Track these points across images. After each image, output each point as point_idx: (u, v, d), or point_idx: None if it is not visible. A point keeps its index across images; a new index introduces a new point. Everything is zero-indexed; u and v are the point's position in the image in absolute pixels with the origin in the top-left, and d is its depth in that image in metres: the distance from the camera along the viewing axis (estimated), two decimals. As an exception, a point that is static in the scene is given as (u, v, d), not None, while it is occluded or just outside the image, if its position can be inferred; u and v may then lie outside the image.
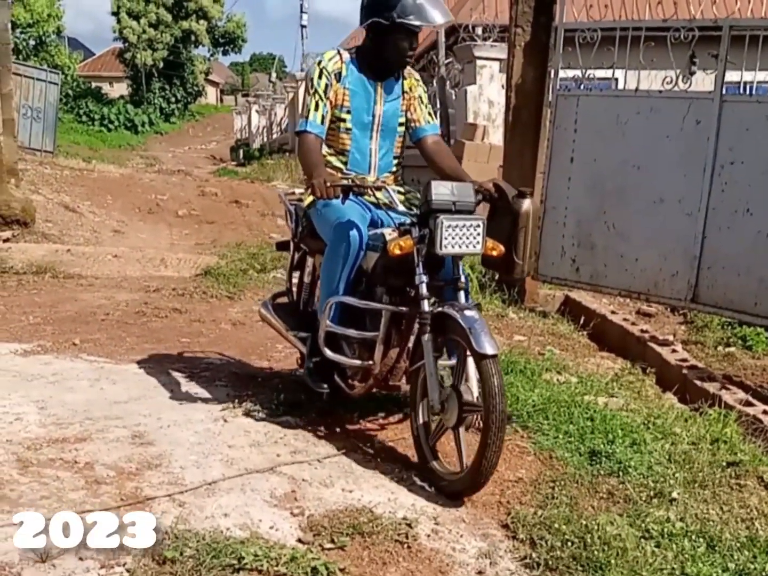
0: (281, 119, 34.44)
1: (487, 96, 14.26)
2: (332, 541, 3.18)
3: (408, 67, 4.34)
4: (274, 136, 35.58)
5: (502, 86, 9.86)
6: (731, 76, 6.43)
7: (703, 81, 6.80)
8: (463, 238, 3.68)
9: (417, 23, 3.97)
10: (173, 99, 52.14)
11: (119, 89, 54.86)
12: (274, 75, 53.72)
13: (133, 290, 7.67)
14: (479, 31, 15.53)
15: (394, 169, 4.38)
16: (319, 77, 4.13)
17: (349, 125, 4.18)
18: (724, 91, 6.35)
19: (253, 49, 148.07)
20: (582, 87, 7.32)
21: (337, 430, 4.25)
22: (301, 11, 42.59)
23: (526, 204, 4.01)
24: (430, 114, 4.40)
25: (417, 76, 4.44)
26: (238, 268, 8.68)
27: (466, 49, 14.52)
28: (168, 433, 4.06)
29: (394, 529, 3.29)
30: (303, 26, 41.91)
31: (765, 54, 6.13)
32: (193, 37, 51.08)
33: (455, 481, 3.62)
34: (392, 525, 3.31)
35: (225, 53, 56.01)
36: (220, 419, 4.27)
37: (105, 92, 51.86)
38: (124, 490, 3.43)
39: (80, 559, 2.90)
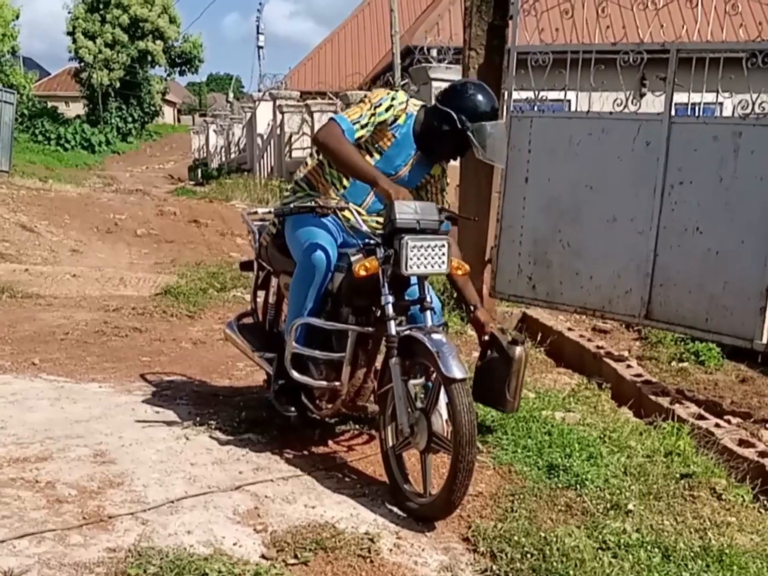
0: (239, 139, 34.37)
1: (444, 117, 14.35)
2: (296, 557, 3.22)
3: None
4: (233, 155, 35.48)
5: (459, 107, 9.96)
6: (680, 97, 6.58)
7: (653, 103, 6.94)
8: (428, 258, 3.70)
9: (481, 151, 3.97)
10: (130, 119, 51.80)
11: (75, 109, 54.49)
12: (231, 95, 53.58)
13: (93, 310, 7.64)
14: (434, 53, 15.68)
15: (383, 212, 4.24)
16: (386, 110, 4.03)
17: (372, 162, 4.07)
18: (673, 113, 6.49)
19: (210, 69, 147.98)
20: (535, 108, 7.42)
21: (299, 447, 4.28)
22: (258, 32, 42.73)
23: (519, 351, 4.27)
24: (443, 194, 4.40)
25: (446, 167, 4.40)
26: (198, 287, 8.68)
27: (421, 71, 14.64)
28: (130, 451, 4.07)
29: (357, 544, 3.33)
30: (260, 47, 42.06)
31: (711, 76, 6.28)
32: (149, 57, 50.91)
33: (425, 505, 3.64)
34: (355, 540, 3.36)
35: (182, 73, 55.97)
36: (182, 437, 4.29)
37: (61, 112, 51.44)
38: (86, 509, 3.44)
39: (43, 578, 2.90)
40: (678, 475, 4.25)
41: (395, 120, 4.07)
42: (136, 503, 3.53)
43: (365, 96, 4.21)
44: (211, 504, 3.57)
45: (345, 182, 4.18)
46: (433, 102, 4.17)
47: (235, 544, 3.27)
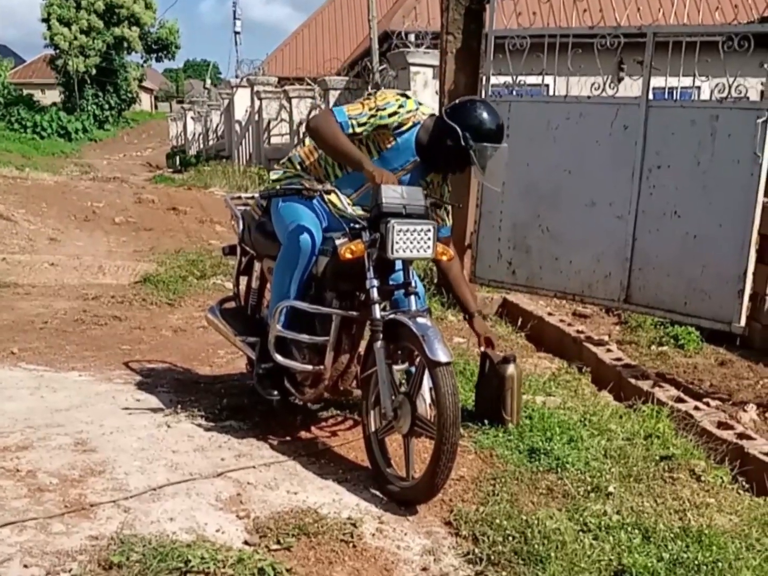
0: (217, 126, 34.20)
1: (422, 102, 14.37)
2: (278, 542, 3.22)
3: None
4: (211, 142, 35.32)
5: (436, 92, 9.95)
6: (658, 81, 6.61)
7: (631, 87, 6.96)
8: (414, 242, 3.71)
9: (480, 170, 3.96)
10: (107, 106, 51.48)
11: (51, 96, 54.05)
12: (208, 81, 53.28)
13: (72, 298, 7.60)
14: (412, 38, 15.66)
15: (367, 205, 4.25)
16: (389, 116, 3.97)
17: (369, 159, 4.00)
18: (651, 97, 6.52)
19: (186, 56, 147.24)
20: (513, 93, 7.44)
21: (281, 433, 4.29)
22: (234, 18, 42.43)
23: (510, 369, 4.42)
24: (447, 213, 4.36)
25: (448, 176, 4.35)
26: (177, 275, 8.65)
27: (399, 56, 14.62)
28: (111, 439, 4.06)
29: (340, 529, 3.34)
30: (237, 33, 41.75)
31: (688, 60, 6.30)
32: (125, 44, 50.55)
33: (407, 489, 3.65)
34: (337, 525, 3.36)
35: (158, 60, 55.62)
36: (163, 425, 4.28)
37: (37, 99, 51.10)
38: (68, 498, 3.43)
39: (25, 566, 2.89)
40: (658, 458, 4.29)
41: (400, 126, 4.01)
42: (117, 491, 3.52)
43: (372, 94, 4.15)
44: (194, 491, 3.57)
45: (338, 172, 4.14)
46: (440, 113, 4.13)
47: (217, 531, 3.26)
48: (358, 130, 3.97)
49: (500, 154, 4.00)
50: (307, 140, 4.38)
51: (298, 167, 4.25)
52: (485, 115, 3.98)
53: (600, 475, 3.97)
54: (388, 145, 4.04)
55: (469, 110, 4.01)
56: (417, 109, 4.06)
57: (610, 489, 3.85)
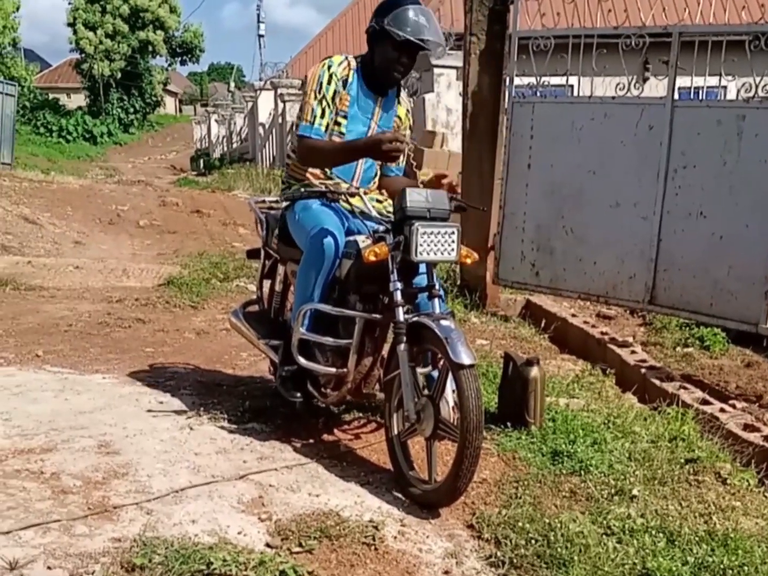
0: (241, 128, 34.36)
1: (445, 103, 14.39)
2: (300, 545, 3.20)
3: (404, 94, 4.38)
4: (234, 145, 35.48)
5: (460, 94, 9.94)
6: (683, 81, 6.56)
7: (656, 87, 6.92)
8: (438, 245, 3.69)
9: (401, 33, 3.95)
10: (132, 109, 51.84)
11: (77, 100, 54.49)
12: (232, 84, 53.53)
13: (96, 301, 7.64)
14: (436, 39, 15.59)
15: (375, 181, 4.38)
16: (329, 82, 4.07)
17: (343, 130, 4.14)
18: (676, 96, 6.47)
19: (211, 59, 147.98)
20: (537, 94, 7.42)
21: (303, 436, 4.28)
22: (259, 21, 42.65)
23: (534, 371, 4.44)
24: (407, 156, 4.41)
25: (409, 106, 4.46)
26: (200, 278, 8.67)
27: (423, 58, 14.45)
28: (134, 442, 4.07)
29: (361, 532, 3.32)
30: (260, 36, 41.97)
31: (714, 59, 6.26)
32: (150, 48, 50.91)
33: (430, 492, 3.63)
34: (359, 528, 3.34)
35: (183, 63, 56.00)
36: (186, 427, 4.28)
37: (63, 103, 51.47)
38: (91, 499, 3.43)
39: (48, 568, 2.89)
40: (683, 460, 4.24)
41: (345, 81, 4.11)
42: (140, 493, 3.52)
43: (305, 84, 4.23)
44: (216, 493, 3.56)
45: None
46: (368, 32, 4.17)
47: (239, 533, 3.26)
48: (326, 120, 4.07)
49: (420, 12, 4.01)
50: (291, 154, 4.40)
51: (296, 183, 4.27)
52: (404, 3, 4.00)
53: (624, 478, 3.94)
54: (347, 104, 4.12)
55: (389, 6, 4.04)
56: (345, 58, 4.17)
57: (635, 492, 3.81)
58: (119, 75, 49.96)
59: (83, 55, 50.20)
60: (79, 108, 51.04)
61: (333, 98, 4.08)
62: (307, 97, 4.11)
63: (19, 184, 16.26)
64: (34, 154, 33.56)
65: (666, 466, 4.13)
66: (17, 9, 43.08)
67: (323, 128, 4.06)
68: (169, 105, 66.49)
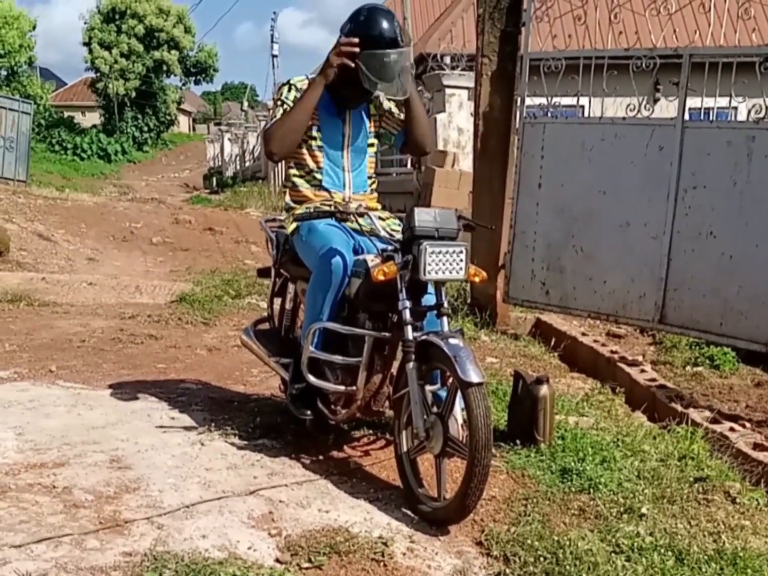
0: (254, 147, 34.50)
1: (457, 123, 14.44)
2: (309, 561, 3.22)
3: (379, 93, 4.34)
4: (247, 164, 35.63)
5: (471, 114, 9.99)
6: (694, 102, 6.58)
7: (667, 108, 6.95)
8: (446, 264, 3.71)
9: (369, 76, 3.99)
10: (146, 128, 52.13)
11: (92, 119, 54.83)
12: (246, 104, 53.89)
13: (109, 317, 7.68)
14: (447, 60, 15.71)
15: (368, 189, 4.41)
16: (288, 91, 4.19)
17: (320, 143, 4.23)
18: (686, 117, 6.50)
19: (224, 79, 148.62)
20: (548, 114, 7.45)
21: (313, 452, 4.29)
22: (272, 41, 42.89)
23: (544, 389, 4.45)
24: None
25: (381, 97, 4.39)
26: (212, 295, 8.72)
27: (435, 78, 14.68)
28: (146, 457, 4.10)
29: (371, 548, 3.33)
30: (274, 56, 42.21)
31: (724, 80, 6.28)
32: (164, 67, 51.20)
33: (439, 509, 3.64)
34: (368, 544, 3.36)
35: (197, 83, 56.24)
36: (197, 443, 4.31)
37: (77, 122, 51.83)
38: (103, 514, 3.46)
39: (61, 581, 2.93)
40: (692, 479, 4.23)
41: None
42: (151, 508, 3.55)
43: (274, 98, 4.39)
44: (226, 509, 3.58)
45: (317, 176, 4.28)
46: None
47: (249, 549, 3.28)
48: None
49: (393, 60, 4.00)
50: (286, 183, 4.47)
51: (297, 206, 4.30)
52: (370, 21, 4.02)
53: (633, 497, 3.93)
54: (316, 117, 4.20)
55: (351, 18, 4.09)
56: (306, 77, 4.26)
57: (643, 510, 3.81)
58: (134, 94, 50.28)
59: (98, 74, 50.53)
60: (94, 126, 51.37)
61: (294, 101, 4.17)
62: (276, 107, 4.23)
63: (34, 201, 16.39)
64: (48, 172, 33.78)
65: (675, 485, 4.12)
66: (33, 28, 43.54)
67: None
68: (183, 124, 66.83)
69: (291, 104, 4.15)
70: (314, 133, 4.23)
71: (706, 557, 3.44)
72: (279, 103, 4.20)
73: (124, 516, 3.46)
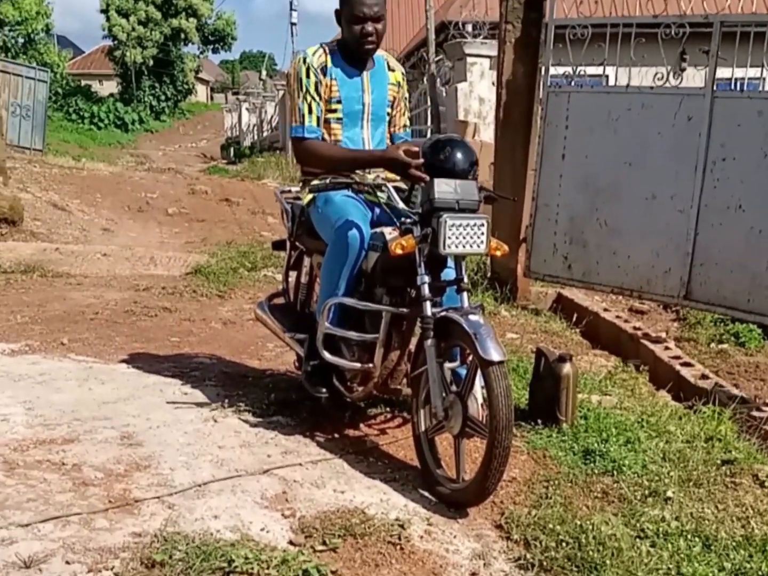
0: (272, 117, 34.41)
1: (478, 93, 14.27)
2: (324, 543, 3.13)
3: (394, 60, 4.37)
4: (265, 133, 35.57)
5: (493, 83, 9.84)
6: (721, 72, 6.41)
7: (693, 77, 6.79)
8: (467, 237, 3.58)
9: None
10: (163, 97, 52.08)
11: (109, 87, 54.78)
12: (264, 73, 53.61)
13: (123, 289, 7.61)
14: (469, 28, 15.50)
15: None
16: (308, 76, 4.05)
17: (340, 115, 4.11)
18: (715, 88, 6.33)
19: (243, 47, 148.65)
20: (573, 83, 7.29)
21: (329, 430, 4.20)
22: (291, 9, 42.48)
23: (567, 368, 4.33)
24: (409, 119, 4.45)
25: (403, 70, 4.43)
26: (228, 267, 8.64)
27: (456, 47, 14.50)
28: (157, 433, 4.01)
29: (387, 531, 3.24)
30: (293, 24, 41.81)
31: (756, 50, 6.11)
32: (182, 35, 51.03)
33: (457, 491, 3.54)
34: (385, 526, 3.26)
35: (215, 51, 56.10)
36: (210, 419, 4.22)
37: (95, 90, 51.80)
38: (112, 492, 3.38)
39: (67, 563, 2.84)
40: (719, 461, 4.12)
41: (325, 68, 4.08)
42: (162, 487, 3.46)
43: (288, 86, 4.26)
44: (239, 488, 3.50)
45: (336, 127, 4.18)
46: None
47: (262, 530, 3.19)
48: (316, 116, 4.07)
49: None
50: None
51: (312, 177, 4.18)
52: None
53: (658, 479, 3.83)
54: (336, 88, 4.10)
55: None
56: (320, 46, 4.16)
57: (669, 494, 3.70)
58: (151, 62, 50.16)
59: (116, 42, 50.42)
60: (111, 95, 51.32)
61: (316, 90, 4.06)
62: (293, 97, 4.10)
63: (50, 170, 16.34)
64: (65, 141, 33.79)
65: (702, 467, 4.01)
66: (51, -5, 43.33)
67: (315, 123, 4.06)
68: (201, 93, 66.70)
69: (315, 94, 4.04)
70: (334, 105, 4.11)
71: (734, 543, 3.34)
72: (303, 92, 4.05)
73: (134, 495, 3.38)
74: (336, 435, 4.17)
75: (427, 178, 3.65)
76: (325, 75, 4.07)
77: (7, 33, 40.72)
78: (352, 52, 4.12)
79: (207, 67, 67.08)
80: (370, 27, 4.01)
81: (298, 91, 4.07)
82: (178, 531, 3.08)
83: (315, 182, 4.03)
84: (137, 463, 3.68)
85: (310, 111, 4.05)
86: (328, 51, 4.12)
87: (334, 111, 4.11)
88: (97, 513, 3.19)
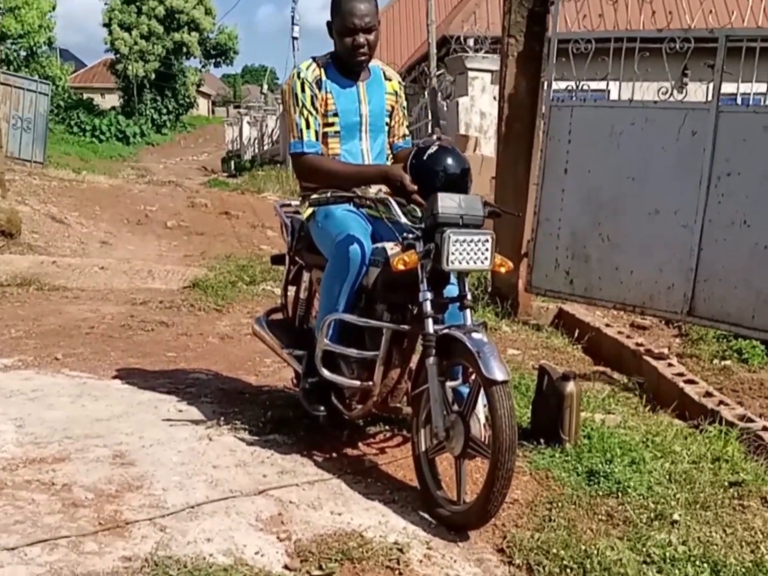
0: (273, 131, 34.40)
1: (479, 107, 14.24)
2: (320, 568, 3.04)
3: (390, 69, 4.33)
4: (266, 147, 35.55)
5: (494, 98, 9.78)
6: (725, 87, 6.34)
7: (695, 92, 6.72)
8: (470, 253, 3.51)
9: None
10: (165, 110, 52.13)
11: (111, 100, 54.87)
12: (265, 87, 53.55)
13: (120, 303, 7.53)
14: (471, 42, 15.46)
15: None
16: (303, 90, 3.98)
17: (337, 128, 4.04)
18: (719, 102, 6.27)
19: (244, 61, 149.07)
20: (575, 98, 7.23)
21: (327, 449, 4.11)
22: (293, 23, 42.56)
23: (570, 386, 4.24)
24: (407, 127, 4.40)
25: (400, 79, 4.38)
26: (226, 281, 8.55)
27: (457, 61, 14.48)
28: (150, 452, 3.92)
29: (385, 554, 3.15)
30: (294, 38, 41.85)
31: (761, 64, 6.05)
32: (184, 49, 51.13)
33: (458, 514, 3.45)
34: (383, 550, 3.17)
35: (217, 65, 56.12)
36: (205, 438, 4.13)
37: (96, 103, 51.82)
38: (103, 514, 3.29)
39: (55, 588, 2.75)
40: (726, 483, 4.02)
41: (320, 81, 4.02)
42: (154, 508, 3.37)
43: (284, 103, 4.20)
44: (233, 509, 3.40)
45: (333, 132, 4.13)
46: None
47: (257, 554, 3.10)
48: (314, 131, 4.01)
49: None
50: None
51: (311, 192, 4.10)
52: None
53: (664, 502, 3.73)
54: (332, 100, 4.03)
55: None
56: (313, 60, 4.10)
57: (676, 517, 3.61)
58: (153, 76, 50.23)
59: (118, 56, 50.50)
60: (113, 108, 51.40)
61: (313, 104, 3.99)
62: (290, 113, 4.04)
63: (49, 182, 16.29)
64: (66, 153, 33.74)
65: (709, 489, 3.92)
66: (53, 8, 43.31)
67: (314, 138, 3.99)
68: (202, 106, 66.78)
69: (311, 108, 3.98)
70: (331, 119, 4.05)
71: (743, 569, 3.25)
72: (299, 107, 3.99)
73: (125, 516, 3.29)
74: (334, 454, 4.08)
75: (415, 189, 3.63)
76: (320, 89, 4.00)
77: (9, 46, 40.68)
78: (345, 64, 4.07)
79: (209, 80, 67.19)
80: (361, 38, 3.95)
81: (294, 106, 4.00)
82: (169, 555, 2.99)
83: (315, 196, 3.95)
84: (129, 483, 3.59)
85: (308, 126, 3.98)
86: (321, 64, 4.06)
87: (332, 125, 4.05)
88: (87, 536, 3.11)
